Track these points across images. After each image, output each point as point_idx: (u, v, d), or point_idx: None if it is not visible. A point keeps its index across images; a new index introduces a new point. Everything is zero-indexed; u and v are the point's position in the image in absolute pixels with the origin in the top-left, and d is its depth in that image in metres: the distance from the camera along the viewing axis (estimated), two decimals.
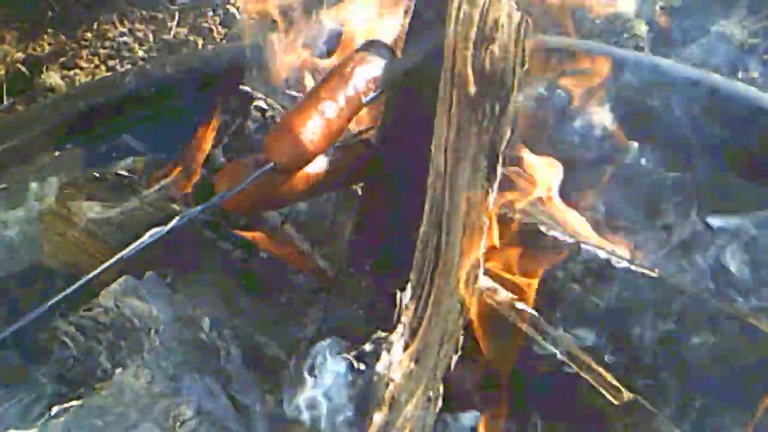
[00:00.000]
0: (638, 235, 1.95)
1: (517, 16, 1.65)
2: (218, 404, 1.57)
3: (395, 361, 1.28)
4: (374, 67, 1.62)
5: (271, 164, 1.50)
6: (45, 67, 3.36)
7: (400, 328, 1.32)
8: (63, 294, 1.39)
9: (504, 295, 1.60)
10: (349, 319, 1.39)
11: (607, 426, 1.46)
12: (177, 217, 1.52)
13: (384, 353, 1.26)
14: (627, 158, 2.14)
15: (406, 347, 1.33)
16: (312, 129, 1.51)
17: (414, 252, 1.44)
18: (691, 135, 2.14)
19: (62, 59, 3.43)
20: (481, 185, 1.56)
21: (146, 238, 1.46)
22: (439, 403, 1.40)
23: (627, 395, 1.47)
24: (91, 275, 1.42)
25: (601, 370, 1.51)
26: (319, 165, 1.57)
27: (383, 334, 1.29)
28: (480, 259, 1.52)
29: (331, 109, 1.54)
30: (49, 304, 1.37)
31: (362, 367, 1.25)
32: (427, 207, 1.47)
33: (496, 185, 1.59)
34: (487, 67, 1.61)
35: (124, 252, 1.44)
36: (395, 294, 1.37)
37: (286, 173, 1.53)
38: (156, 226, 1.57)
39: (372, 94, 1.59)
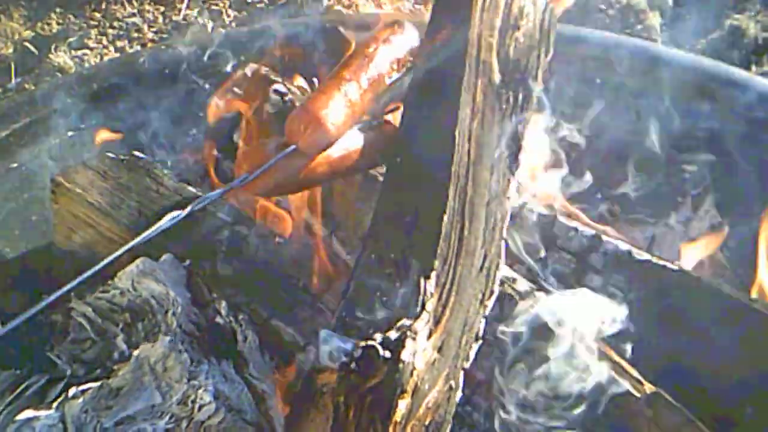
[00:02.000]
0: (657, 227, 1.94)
1: (542, 3, 1.64)
2: (235, 389, 1.56)
3: (419, 349, 1.27)
4: (398, 47, 1.60)
5: (293, 147, 1.48)
6: (53, 46, 3.34)
7: (424, 315, 1.31)
8: (79, 280, 1.37)
9: (524, 284, 1.59)
10: (372, 306, 1.38)
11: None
12: (196, 200, 1.51)
13: (409, 341, 1.25)
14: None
15: (429, 335, 1.32)
16: (334, 111, 1.49)
17: (436, 239, 1.42)
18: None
19: (70, 39, 3.42)
20: (504, 173, 1.55)
21: (165, 221, 1.45)
22: (460, 392, 1.39)
23: (649, 388, 1.46)
24: (108, 259, 1.41)
25: (622, 361, 1.50)
26: (341, 147, 1.55)
27: (408, 322, 1.28)
28: (502, 247, 1.51)
29: (353, 90, 1.52)
30: (64, 289, 1.35)
31: (387, 354, 1.24)
32: (450, 194, 1.45)
33: (518, 173, 1.58)
34: (511, 55, 1.60)
35: (143, 235, 1.43)
36: (419, 281, 1.36)
37: (307, 156, 1.51)
38: (172, 209, 1.57)
39: (396, 75, 1.57)
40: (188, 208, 1.48)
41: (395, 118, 1.67)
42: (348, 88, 1.51)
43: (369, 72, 1.55)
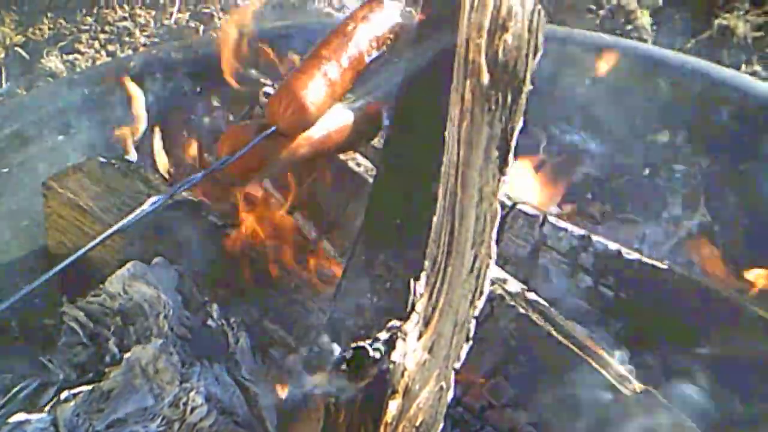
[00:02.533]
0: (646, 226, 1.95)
1: (530, 4, 1.65)
2: (227, 391, 1.56)
3: (410, 350, 1.27)
4: (377, 25, 1.59)
5: (273, 128, 1.47)
6: (45, 51, 3.34)
7: (414, 316, 1.32)
8: (59, 267, 1.35)
9: (515, 285, 1.60)
10: (362, 307, 1.38)
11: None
12: (177, 184, 1.49)
13: (399, 342, 1.25)
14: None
15: (419, 336, 1.32)
16: (314, 91, 1.47)
17: (426, 241, 1.43)
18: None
19: (62, 44, 3.42)
20: (493, 174, 1.55)
21: (147, 205, 1.42)
22: (451, 393, 1.39)
23: (639, 386, 1.47)
24: (89, 246, 1.38)
25: (610, 360, 1.50)
26: (322, 127, 1.54)
27: (398, 323, 1.28)
28: (492, 248, 1.51)
29: (333, 69, 1.50)
30: (42, 279, 1.33)
31: (377, 355, 1.24)
32: (440, 195, 1.45)
33: (508, 174, 1.58)
34: (500, 55, 1.61)
35: (125, 221, 1.40)
36: (409, 282, 1.36)
37: (288, 136, 1.50)
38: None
39: (375, 53, 1.56)
40: (169, 191, 1.46)
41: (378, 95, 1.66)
42: (328, 68, 1.50)
43: (348, 50, 1.52)
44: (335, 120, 1.57)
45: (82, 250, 1.37)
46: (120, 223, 1.40)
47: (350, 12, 1.62)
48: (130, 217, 1.40)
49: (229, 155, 1.45)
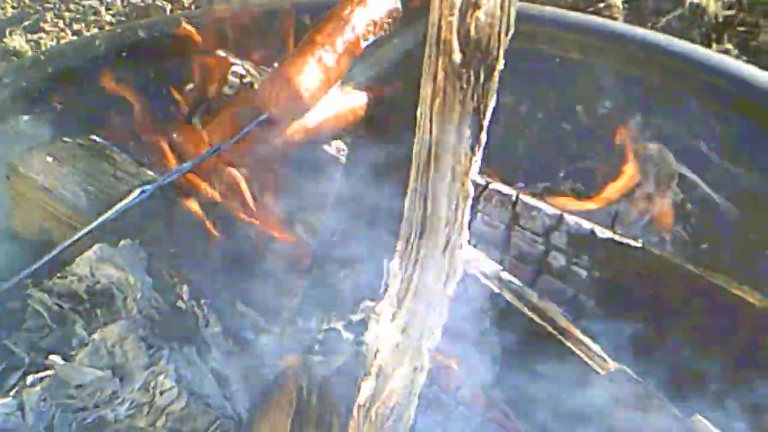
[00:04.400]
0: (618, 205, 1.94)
1: None
2: (198, 374, 1.54)
3: (383, 331, 1.26)
4: (375, 8, 1.55)
5: (266, 115, 1.44)
6: (8, 30, 3.28)
7: (387, 297, 1.30)
8: (37, 264, 1.34)
9: (490, 265, 1.59)
10: (335, 289, 1.37)
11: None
12: (166, 173, 1.47)
13: (372, 323, 1.24)
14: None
15: (393, 317, 1.31)
16: (308, 76, 1.44)
17: (399, 220, 1.41)
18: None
19: (26, 23, 3.36)
20: (466, 153, 1.54)
21: (135, 195, 1.40)
22: (425, 374, 1.38)
23: (612, 364, 1.47)
24: (77, 236, 1.37)
25: (586, 339, 1.50)
26: (317, 113, 1.51)
27: (371, 304, 1.27)
28: (465, 228, 1.50)
29: (328, 54, 1.47)
30: (20, 276, 1.32)
31: (350, 337, 1.23)
32: (412, 174, 1.44)
33: (480, 153, 1.57)
34: (472, 33, 1.59)
35: (112, 210, 1.39)
36: (382, 263, 1.35)
37: (281, 124, 1.47)
38: (130, 193, 1.54)
39: (372, 38, 1.53)
40: (158, 181, 1.44)
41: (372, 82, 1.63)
42: (322, 53, 1.46)
43: (344, 35, 1.49)
44: (330, 106, 1.54)
45: (69, 241, 1.35)
46: (108, 213, 1.38)
47: None
48: (119, 206, 1.38)
49: (220, 143, 1.43)
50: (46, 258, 1.31)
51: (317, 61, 1.45)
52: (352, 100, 1.58)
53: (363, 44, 1.52)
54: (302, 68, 1.43)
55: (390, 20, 1.59)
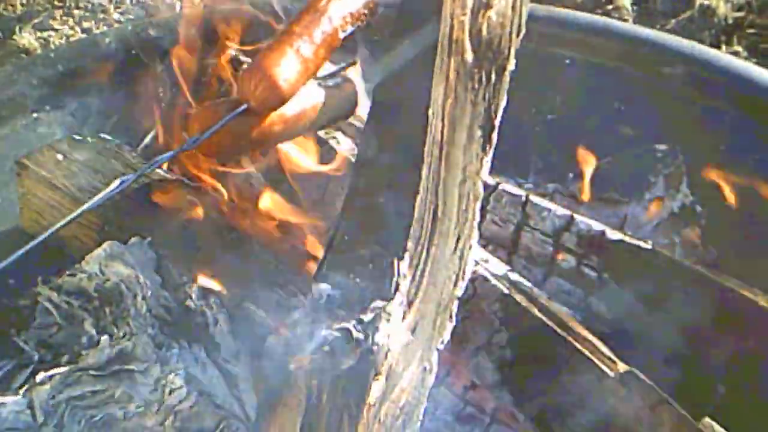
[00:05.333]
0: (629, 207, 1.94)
1: None
2: (206, 373, 1.54)
3: (393, 331, 1.26)
4: (350, 0, 1.56)
5: (244, 106, 1.44)
6: (18, 27, 3.29)
7: (398, 297, 1.30)
8: (26, 248, 1.31)
9: (499, 265, 1.59)
10: (345, 288, 1.36)
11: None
12: (147, 163, 1.46)
13: (383, 323, 1.24)
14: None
15: (403, 317, 1.31)
16: (286, 68, 1.44)
17: (410, 221, 1.41)
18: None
19: (35, 20, 3.36)
20: (477, 153, 1.54)
21: (115, 184, 1.38)
22: (434, 374, 1.38)
23: (622, 366, 1.46)
24: (56, 226, 1.35)
25: (595, 340, 1.50)
26: (296, 104, 1.51)
27: (382, 304, 1.27)
28: (475, 228, 1.50)
29: (306, 45, 1.47)
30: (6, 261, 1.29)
31: (361, 336, 1.22)
32: (423, 175, 1.44)
33: (491, 154, 1.57)
34: (483, 33, 1.59)
35: (92, 201, 1.37)
36: (392, 263, 1.35)
37: (260, 114, 1.47)
38: (140, 190, 1.54)
39: (350, 29, 1.53)
40: (139, 171, 1.42)
41: (354, 74, 1.64)
42: (300, 44, 1.46)
43: (321, 26, 1.49)
44: (309, 97, 1.54)
45: (50, 231, 1.33)
46: (88, 204, 1.36)
47: None
48: (99, 197, 1.36)
49: (199, 134, 1.42)
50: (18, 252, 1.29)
51: (295, 51, 1.44)
52: (331, 92, 1.58)
53: (341, 35, 1.51)
54: (280, 59, 1.43)
55: (366, 11, 1.59)
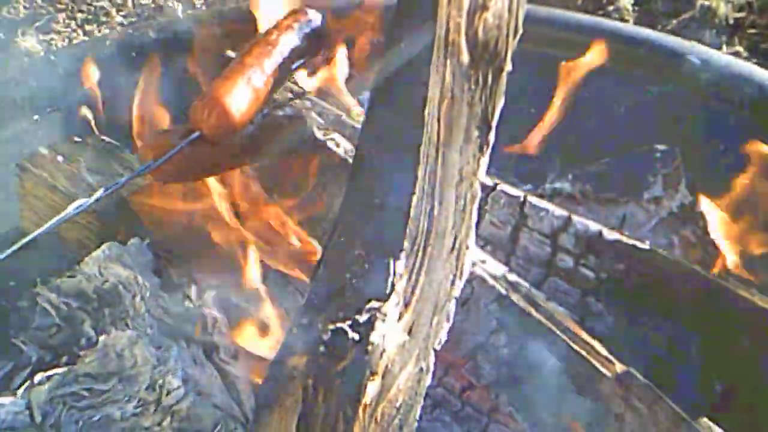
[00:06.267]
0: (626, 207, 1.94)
1: None
2: (205, 373, 1.55)
3: (389, 331, 1.26)
4: (301, 33, 1.59)
5: (197, 134, 1.47)
6: (21, 30, 3.30)
7: (394, 297, 1.30)
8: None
9: (497, 266, 1.59)
10: (341, 288, 1.36)
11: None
12: (101, 190, 1.47)
13: (379, 323, 1.24)
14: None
15: (399, 317, 1.31)
16: (238, 97, 1.48)
17: (406, 221, 1.41)
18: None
19: (38, 23, 3.37)
20: (473, 154, 1.54)
21: (70, 209, 1.39)
22: (431, 374, 1.38)
23: (619, 366, 1.46)
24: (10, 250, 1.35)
25: (593, 341, 1.50)
26: (248, 133, 1.54)
27: (378, 304, 1.27)
28: (472, 229, 1.50)
29: (257, 76, 1.51)
30: None
31: (356, 337, 1.23)
32: (420, 176, 1.44)
33: (488, 155, 1.57)
34: (480, 35, 1.59)
35: (45, 226, 1.36)
36: (388, 263, 1.35)
37: (213, 142, 1.50)
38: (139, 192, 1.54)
39: (300, 62, 1.57)
40: (95, 196, 1.43)
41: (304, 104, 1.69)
42: (251, 74, 1.50)
43: (272, 58, 1.53)
44: (261, 126, 1.57)
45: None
46: (41, 229, 1.35)
47: (275, 22, 1.63)
48: (53, 221, 1.36)
49: (153, 160, 1.45)
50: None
51: (246, 82, 1.48)
52: (281, 121, 1.63)
53: (291, 67, 1.57)
54: (231, 89, 1.47)
55: (317, 44, 1.63)
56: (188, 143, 1.45)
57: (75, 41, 3.28)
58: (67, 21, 3.40)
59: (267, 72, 1.51)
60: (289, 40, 1.57)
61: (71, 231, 1.80)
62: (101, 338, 1.51)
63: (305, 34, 1.59)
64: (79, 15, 3.43)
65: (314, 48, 1.64)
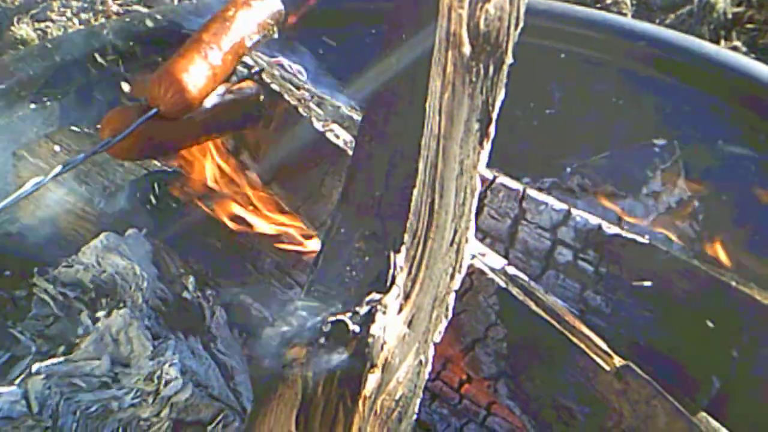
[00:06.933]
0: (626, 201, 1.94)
1: None
2: (202, 364, 1.54)
3: (389, 323, 1.26)
4: (258, 10, 1.59)
5: (154, 110, 1.46)
6: (16, 18, 3.28)
7: (394, 290, 1.30)
8: None
9: (496, 259, 1.59)
10: (341, 281, 1.36)
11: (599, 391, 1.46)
12: (59, 166, 1.46)
13: (379, 315, 1.24)
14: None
15: (399, 310, 1.31)
16: (195, 74, 1.47)
17: (406, 213, 1.41)
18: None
19: (33, 11, 3.35)
20: (474, 147, 1.54)
21: (28, 186, 1.39)
22: (430, 367, 1.38)
23: (618, 360, 1.46)
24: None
25: (592, 335, 1.50)
26: (206, 109, 1.53)
27: (378, 296, 1.27)
28: (472, 221, 1.50)
29: (214, 52, 1.50)
30: None
31: (357, 329, 1.22)
32: (420, 168, 1.43)
33: (488, 147, 1.56)
34: (481, 27, 1.58)
35: (4, 202, 1.36)
36: (389, 256, 1.35)
37: (170, 119, 1.49)
38: (137, 183, 1.54)
39: (257, 38, 1.56)
40: (51, 174, 1.42)
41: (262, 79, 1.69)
42: (208, 51, 1.50)
43: (229, 35, 1.53)
44: (220, 101, 1.56)
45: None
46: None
47: None
48: (11, 197, 1.36)
49: (111, 137, 1.44)
50: None
51: (203, 58, 1.48)
52: (238, 97, 1.61)
53: (248, 43, 1.56)
54: (188, 66, 1.47)
55: (272, 22, 1.64)
56: (146, 120, 1.44)
57: (70, 30, 3.26)
58: (62, 9, 3.38)
59: (224, 48, 1.51)
60: (247, 18, 1.56)
61: (68, 221, 1.79)
62: (98, 327, 1.50)
63: (262, 11, 1.59)
64: (75, 3, 3.41)
65: (272, 24, 1.63)
